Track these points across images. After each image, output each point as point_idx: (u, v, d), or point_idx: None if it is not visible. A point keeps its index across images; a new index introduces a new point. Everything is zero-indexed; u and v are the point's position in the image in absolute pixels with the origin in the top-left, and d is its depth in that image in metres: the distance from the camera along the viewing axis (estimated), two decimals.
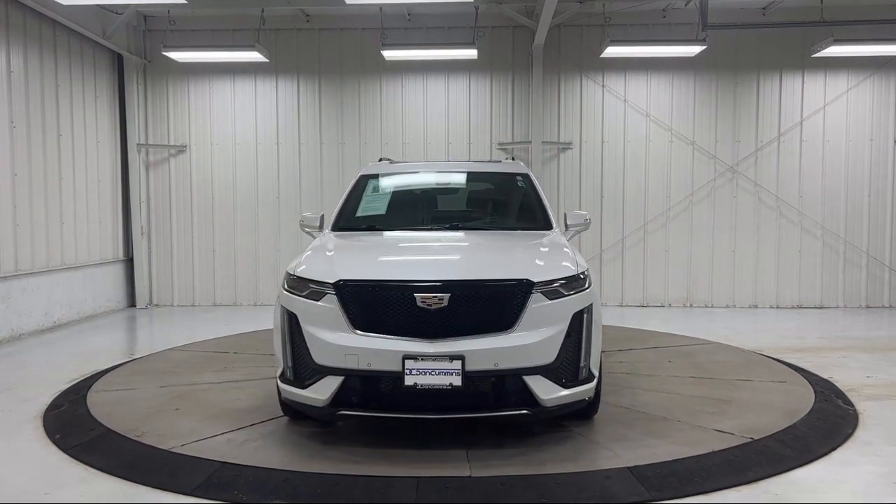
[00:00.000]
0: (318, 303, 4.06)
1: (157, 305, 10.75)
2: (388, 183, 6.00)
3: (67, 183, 9.15)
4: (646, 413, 4.90)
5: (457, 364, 3.84)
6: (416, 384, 3.84)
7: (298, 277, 4.25)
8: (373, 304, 4.00)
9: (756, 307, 10.41)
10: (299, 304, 4.12)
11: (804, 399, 5.28)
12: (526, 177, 5.96)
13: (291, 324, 4.13)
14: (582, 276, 4.25)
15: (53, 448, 4.33)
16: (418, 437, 4.35)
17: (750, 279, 10.44)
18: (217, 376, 5.91)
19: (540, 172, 10.07)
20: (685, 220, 10.47)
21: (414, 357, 3.85)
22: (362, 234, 5.30)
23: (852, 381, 5.88)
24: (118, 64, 10.41)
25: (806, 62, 10.17)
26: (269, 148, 10.65)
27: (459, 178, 6.22)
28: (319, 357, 3.98)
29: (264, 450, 4.21)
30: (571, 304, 4.10)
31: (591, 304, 4.22)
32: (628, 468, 3.86)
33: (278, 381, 4.29)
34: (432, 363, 3.85)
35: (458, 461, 4.00)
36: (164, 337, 8.29)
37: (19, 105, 8.21)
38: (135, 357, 6.91)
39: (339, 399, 3.96)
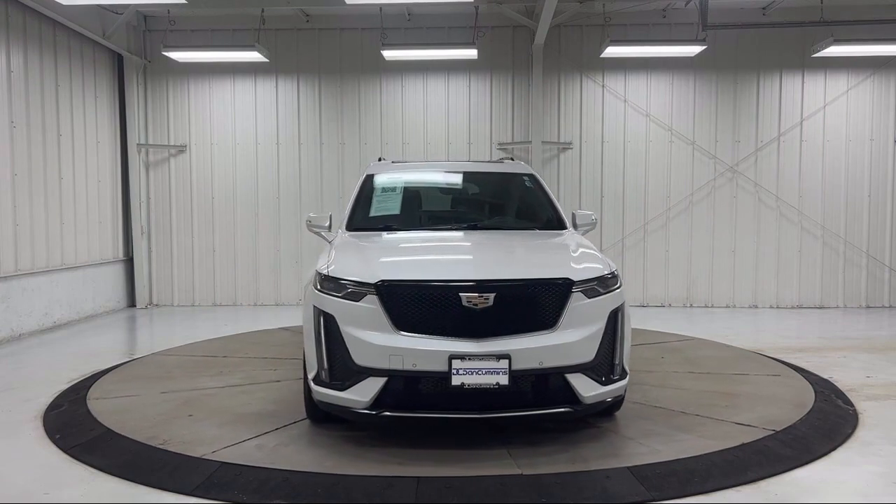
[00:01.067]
0: (358, 303, 4.00)
1: (157, 305, 10.75)
2: (398, 183, 5.92)
3: (67, 183, 9.15)
4: (662, 408, 4.99)
5: (504, 363, 3.85)
6: (463, 384, 3.84)
7: (334, 278, 4.17)
8: (416, 305, 3.97)
9: (756, 307, 10.41)
10: (337, 305, 4.05)
11: (805, 390, 5.49)
12: (532, 177, 6.03)
13: (327, 325, 4.05)
14: (614, 275, 4.35)
15: (53, 448, 4.33)
16: (462, 437, 4.35)
17: (750, 279, 10.44)
18: (216, 381, 5.82)
19: (540, 172, 10.03)
20: (685, 220, 10.47)
21: (461, 357, 3.84)
22: (381, 233, 5.20)
23: (852, 381, 5.88)
24: (118, 64, 10.41)
25: (806, 62, 10.17)
26: (269, 148, 10.65)
27: (469, 179, 6.17)
28: (361, 358, 3.93)
29: (301, 453, 4.13)
30: (608, 302, 4.19)
31: (623, 303, 4.33)
32: (628, 468, 3.86)
33: (311, 384, 4.18)
34: (479, 363, 3.85)
35: (500, 459, 4.02)
36: (164, 337, 8.29)
37: (19, 105, 8.21)
38: (135, 357, 6.90)
39: (381, 400, 3.92)
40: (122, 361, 6.65)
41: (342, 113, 10.58)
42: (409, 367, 3.87)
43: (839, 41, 9.13)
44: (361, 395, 3.93)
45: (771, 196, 10.38)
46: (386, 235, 5.17)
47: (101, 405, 5.11)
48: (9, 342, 7.81)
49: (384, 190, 5.76)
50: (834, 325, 8.98)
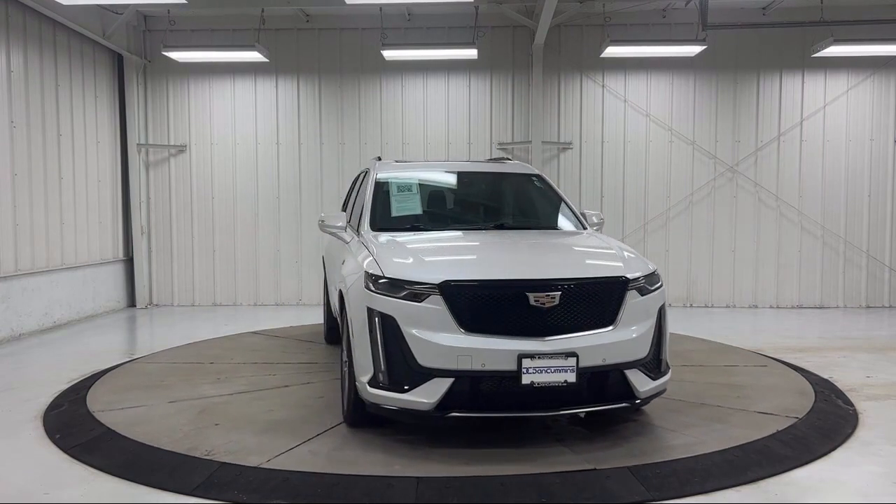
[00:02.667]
0: (421, 304, 3.96)
1: (157, 305, 10.76)
2: (412, 183, 5.80)
3: (67, 183, 9.16)
4: (682, 400, 5.08)
5: (571, 361, 3.91)
6: (532, 382, 3.86)
7: (391, 278, 4.09)
8: (483, 304, 3.97)
9: (756, 307, 10.41)
10: (397, 306, 3.99)
11: (797, 380, 5.81)
12: (540, 177, 6.12)
13: (386, 327, 4.00)
14: (656, 273, 4.47)
15: (53, 448, 4.33)
16: (526, 436, 4.35)
17: (750, 279, 10.44)
18: (219, 388, 5.55)
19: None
20: (685, 220, 10.47)
21: (531, 356, 3.86)
22: (413, 233, 5.06)
23: (852, 380, 5.88)
24: (118, 64, 10.41)
25: (806, 62, 10.18)
26: (269, 148, 10.65)
27: (481, 179, 6.15)
28: (425, 359, 3.89)
29: (364, 456, 4.05)
30: (656, 299, 4.34)
31: (665, 300, 4.48)
32: (628, 468, 3.86)
33: (367, 388, 4.08)
34: (549, 361, 3.88)
35: (559, 455, 4.03)
36: (164, 337, 8.29)
37: (19, 105, 8.21)
38: (135, 357, 6.90)
39: (447, 402, 3.89)
40: (123, 361, 6.65)
41: (342, 113, 10.58)
42: (477, 367, 3.86)
43: (839, 41, 9.13)
44: (426, 396, 3.89)
45: (771, 196, 10.38)
46: (420, 235, 5.03)
47: (113, 417, 4.79)
48: (9, 342, 7.81)
49: (400, 189, 5.67)
50: (834, 325, 8.98)
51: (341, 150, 10.57)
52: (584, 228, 5.52)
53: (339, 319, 5.17)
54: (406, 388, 3.94)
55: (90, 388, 5.63)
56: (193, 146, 10.67)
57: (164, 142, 10.68)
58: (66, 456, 4.19)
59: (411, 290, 4.01)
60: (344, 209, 7.39)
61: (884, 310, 10.19)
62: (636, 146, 10.45)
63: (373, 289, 4.14)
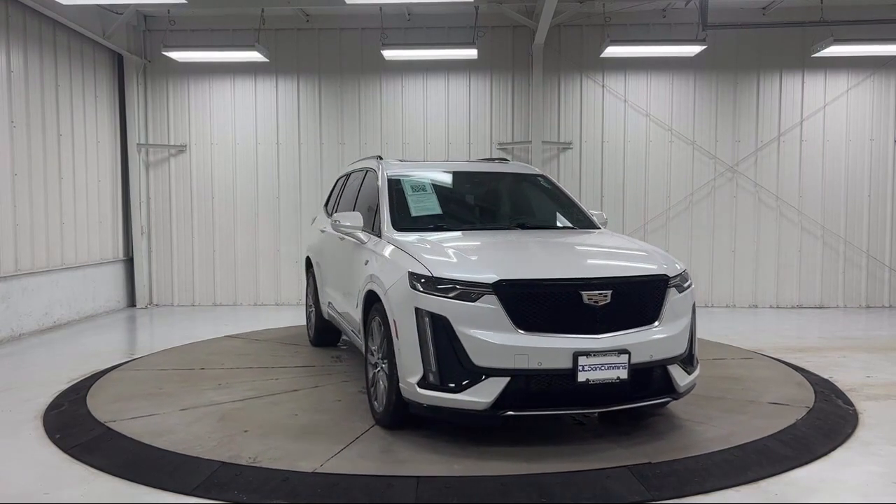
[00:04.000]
0: (475, 304, 3.96)
1: (157, 305, 10.76)
2: (424, 182, 5.73)
3: (67, 183, 9.16)
4: (693, 394, 5.06)
5: (623, 358, 3.97)
6: (587, 380, 3.91)
7: (441, 278, 4.08)
8: (538, 303, 4.00)
9: (756, 307, 10.41)
10: (449, 306, 3.98)
11: (788, 372, 6.07)
12: (545, 178, 6.17)
13: (437, 327, 3.99)
14: (686, 272, 4.59)
15: (53, 448, 4.33)
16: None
17: (750, 279, 10.44)
18: (226, 395, 5.35)
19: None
20: (685, 220, 10.47)
21: (586, 353, 3.91)
22: (439, 233, 5.01)
23: (852, 380, 5.88)
24: (118, 64, 10.41)
25: (806, 62, 10.17)
26: (269, 148, 10.65)
27: (489, 179, 6.12)
28: (481, 359, 3.90)
29: (418, 456, 4.05)
30: (689, 296, 4.50)
31: (694, 297, 4.62)
32: (628, 468, 3.86)
33: (416, 388, 4.05)
34: (603, 358, 3.94)
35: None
36: (164, 338, 8.29)
37: (19, 105, 8.21)
38: (135, 357, 6.90)
39: (502, 401, 3.89)
40: (123, 361, 6.65)
41: (342, 113, 10.58)
42: (533, 365, 3.88)
43: (839, 41, 9.13)
44: (481, 396, 3.89)
45: (771, 196, 10.38)
46: (448, 235, 4.98)
47: (131, 427, 4.56)
48: (9, 342, 7.81)
49: (414, 189, 5.61)
50: (834, 325, 8.98)
51: (341, 150, 10.57)
52: (597, 228, 5.60)
53: (360, 321, 5.02)
54: (460, 388, 3.94)
55: (90, 388, 5.62)
56: (193, 146, 10.67)
57: (164, 142, 10.68)
58: (66, 456, 4.19)
59: (463, 290, 4.01)
60: (327, 209, 7.33)
61: (884, 310, 10.18)
62: (636, 146, 10.45)
63: (420, 289, 4.11)
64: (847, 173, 10.36)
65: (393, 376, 4.28)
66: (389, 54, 9.74)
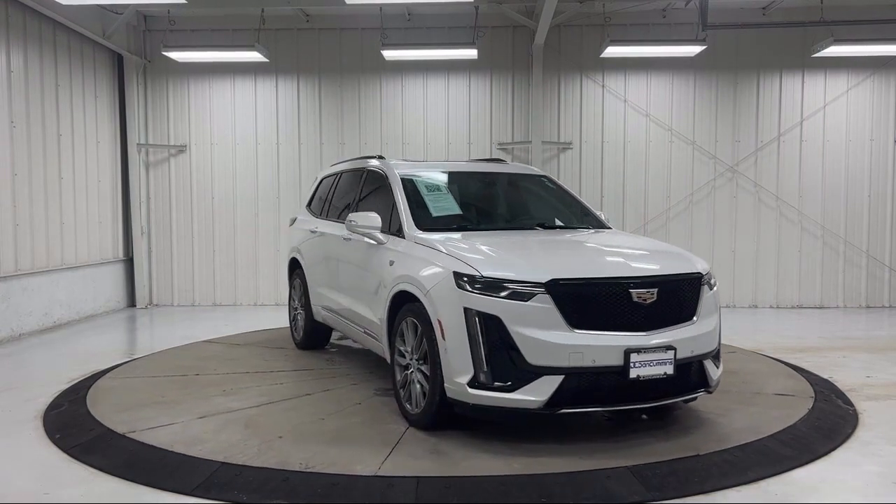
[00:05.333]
0: (528, 303, 3.99)
1: (157, 305, 10.76)
2: (438, 182, 5.70)
3: (67, 183, 9.16)
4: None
5: (670, 354, 4.09)
6: (638, 376, 4.00)
7: (492, 278, 4.07)
8: (590, 302, 4.07)
9: (756, 307, 10.41)
10: (502, 306, 4.00)
11: (788, 372, 6.13)
12: (549, 178, 6.27)
13: (489, 327, 3.99)
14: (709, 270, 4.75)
15: (53, 448, 4.33)
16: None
17: (750, 279, 10.44)
18: (238, 400, 5.18)
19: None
20: (685, 220, 10.47)
21: (637, 350, 4.00)
22: (465, 233, 4.99)
23: (852, 381, 5.88)
24: (118, 64, 10.41)
25: (806, 62, 10.17)
26: (269, 148, 10.65)
27: (498, 179, 6.11)
28: (536, 358, 3.94)
29: (472, 454, 4.05)
30: (716, 293, 4.66)
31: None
32: (628, 468, 3.86)
33: (466, 389, 4.04)
34: (651, 355, 4.04)
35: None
36: (164, 338, 8.28)
37: (19, 105, 8.21)
38: (135, 357, 6.90)
39: (556, 398, 3.94)
40: (123, 361, 6.64)
41: (342, 113, 10.58)
42: (588, 363, 3.96)
43: (839, 41, 9.13)
44: (536, 394, 3.93)
45: (771, 196, 10.38)
46: (476, 235, 4.95)
47: (156, 437, 4.38)
48: (9, 342, 7.81)
49: (429, 189, 5.55)
50: (834, 325, 8.98)
51: (341, 151, 10.56)
52: (608, 227, 5.69)
53: (384, 322, 4.95)
54: (514, 387, 3.96)
55: (90, 388, 5.62)
56: (193, 146, 10.67)
57: (164, 142, 10.68)
58: (66, 456, 4.18)
59: (515, 290, 4.02)
60: (311, 209, 7.18)
61: (884, 310, 10.18)
62: (636, 146, 10.45)
63: (469, 289, 4.10)
64: (847, 173, 10.36)
65: (436, 377, 4.25)
66: (389, 54, 9.74)
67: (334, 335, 7.17)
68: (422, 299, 4.40)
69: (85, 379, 5.97)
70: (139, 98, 10.50)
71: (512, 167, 6.42)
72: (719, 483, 3.71)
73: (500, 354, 3.99)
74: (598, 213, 5.89)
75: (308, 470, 3.84)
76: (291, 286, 7.35)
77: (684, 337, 4.19)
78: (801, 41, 10.09)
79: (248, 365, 6.40)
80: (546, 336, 3.95)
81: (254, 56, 9.69)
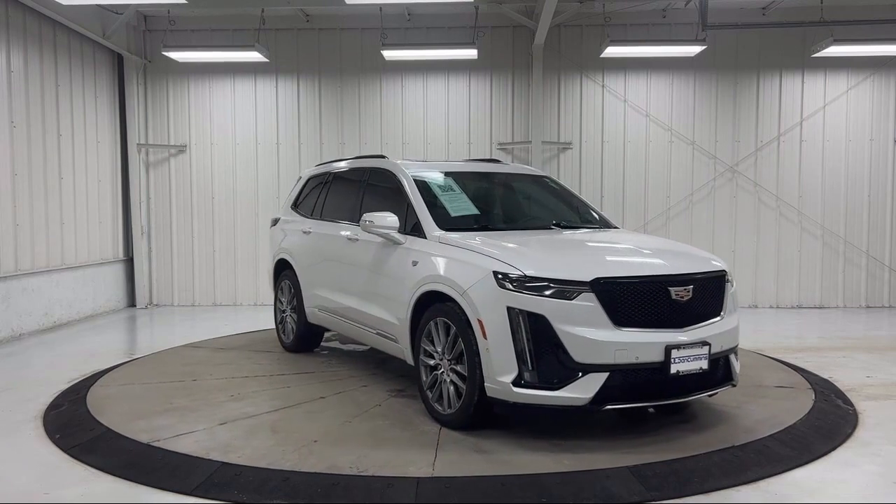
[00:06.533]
0: (573, 301, 4.04)
1: (157, 305, 10.76)
2: (451, 183, 5.63)
3: (67, 183, 9.16)
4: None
5: (705, 349, 4.23)
6: (678, 371, 4.13)
7: (536, 277, 4.10)
8: (632, 300, 4.15)
9: (756, 307, 10.41)
10: (547, 305, 4.03)
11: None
12: (552, 179, 6.35)
13: (535, 325, 4.02)
14: None
15: (53, 448, 4.33)
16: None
17: (749, 279, 10.44)
18: (251, 405, 5.06)
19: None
20: (685, 220, 10.48)
21: (677, 346, 4.12)
22: (487, 233, 4.98)
23: (852, 381, 5.88)
24: (118, 64, 10.41)
25: (806, 62, 10.18)
26: (269, 148, 10.65)
27: (504, 180, 6.12)
28: (582, 356, 3.99)
29: (517, 451, 4.09)
30: (736, 290, 4.79)
31: None
32: (628, 468, 3.86)
33: (510, 388, 4.05)
34: (690, 350, 4.17)
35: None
36: (164, 338, 8.29)
37: (19, 105, 8.21)
38: (135, 356, 6.90)
39: (602, 395, 4.00)
40: (123, 361, 6.64)
41: (342, 113, 10.58)
42: (632, 360, 4.04)
43: (839, 41, 9.13)
44: (582, 392, 3.99)
45: (771, 196, 10.38)
46: (499, 234, 4.94)
47: (186, 445, 4.23)
48: (9, 342, 7.81)
49: (443, 189, 5.51)
50: (834, 325, 8.98)
51: (341, 151, 10.56)
52: (616, 227, 5.79)
53: (408, 322, 4.89)
54: (559, 385, 4.01)
55: (90, 388, 5.61)
56: (193, 146, 10.67)
57: (164, 142, 10.68)
58: (66, 456, 4.18)
59: (560, 288, 4.07)
60: (298, 210, 7.11)
61: (883, 310, 10.19)
62: (636, 146, 10.45)
63: (512, 288, 4.12)
64: (847, 173, 10.36)
65: (474, 377, 4.25)
66: (389, 54, 9.74)
67: (324, 336, 7.12)
68: (458, 299, 4.37)
69: (85, 379, 5.96)
70: (139, 98, 10.50)
71: (514, 168, 6.44)
72: (719, 483, 3.71)
73: (546, 353, 4.04)
74: (602, 213, 6.00)
75: (361, 473, 3.79)
76: (278, 288, 7.15)
77: (716, 332, 4.33)
78: (800, 41, 10.10)
79: (245, 370, 6.18)
80: (592, 334, 4.01)
81: (254, 56, 9.69)
